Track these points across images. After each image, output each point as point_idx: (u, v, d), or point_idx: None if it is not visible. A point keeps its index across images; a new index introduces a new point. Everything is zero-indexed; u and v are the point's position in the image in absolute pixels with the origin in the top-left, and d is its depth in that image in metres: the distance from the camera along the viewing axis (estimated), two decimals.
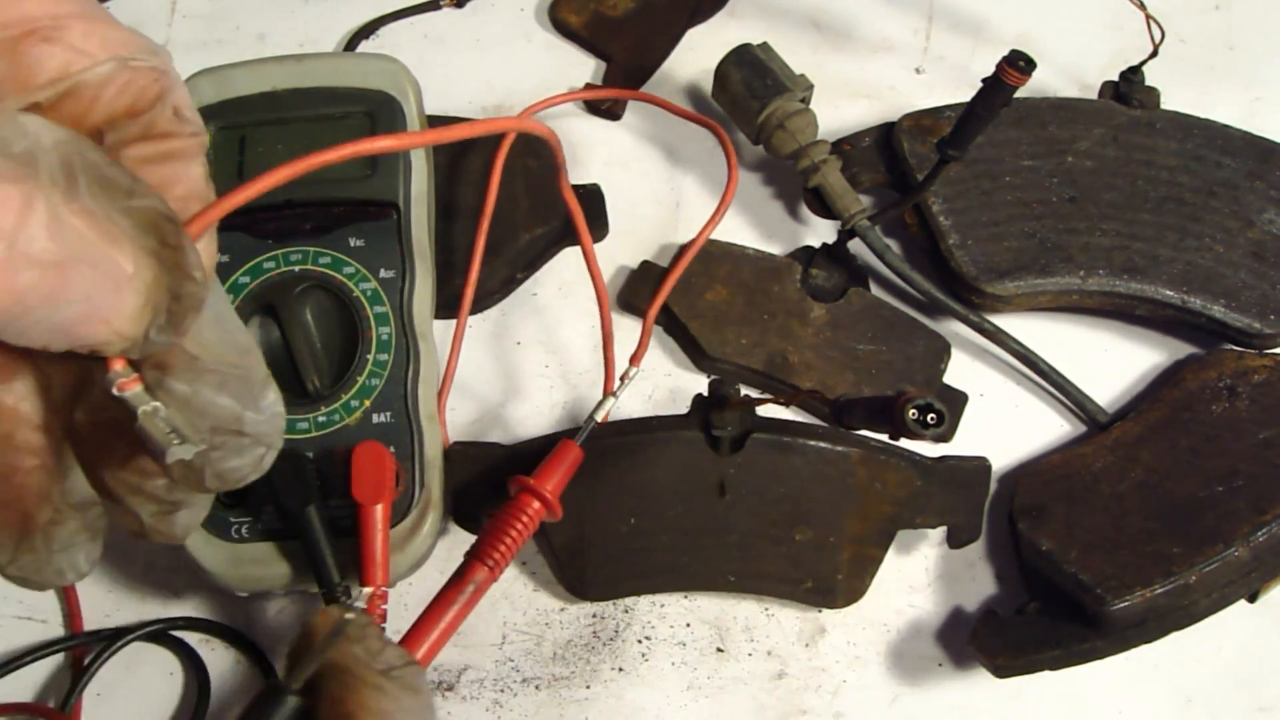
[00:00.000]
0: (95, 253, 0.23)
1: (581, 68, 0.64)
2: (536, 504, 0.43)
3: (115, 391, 0.25)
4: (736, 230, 0.59)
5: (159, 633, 0.50)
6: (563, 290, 0.58)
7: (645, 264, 0.57)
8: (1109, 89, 0.60)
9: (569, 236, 0.58)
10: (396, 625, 0.50)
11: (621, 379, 0.47)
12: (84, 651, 0.50)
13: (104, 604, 0.51)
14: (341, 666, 0.32)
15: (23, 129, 0.22)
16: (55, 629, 0.51)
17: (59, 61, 0.25)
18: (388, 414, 0.48)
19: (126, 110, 0.27)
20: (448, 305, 0.55)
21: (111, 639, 0.49)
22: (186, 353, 0.27)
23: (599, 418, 0.46)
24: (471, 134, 0.32)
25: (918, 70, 0.65)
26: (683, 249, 0.55)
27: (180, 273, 0.24)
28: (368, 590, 0.44)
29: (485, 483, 0.50)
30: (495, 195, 0.55)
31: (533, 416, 0.55)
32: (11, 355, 0.27)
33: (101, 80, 0.26)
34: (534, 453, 0.49)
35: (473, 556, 0.42)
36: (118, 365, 0.25)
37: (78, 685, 0.48)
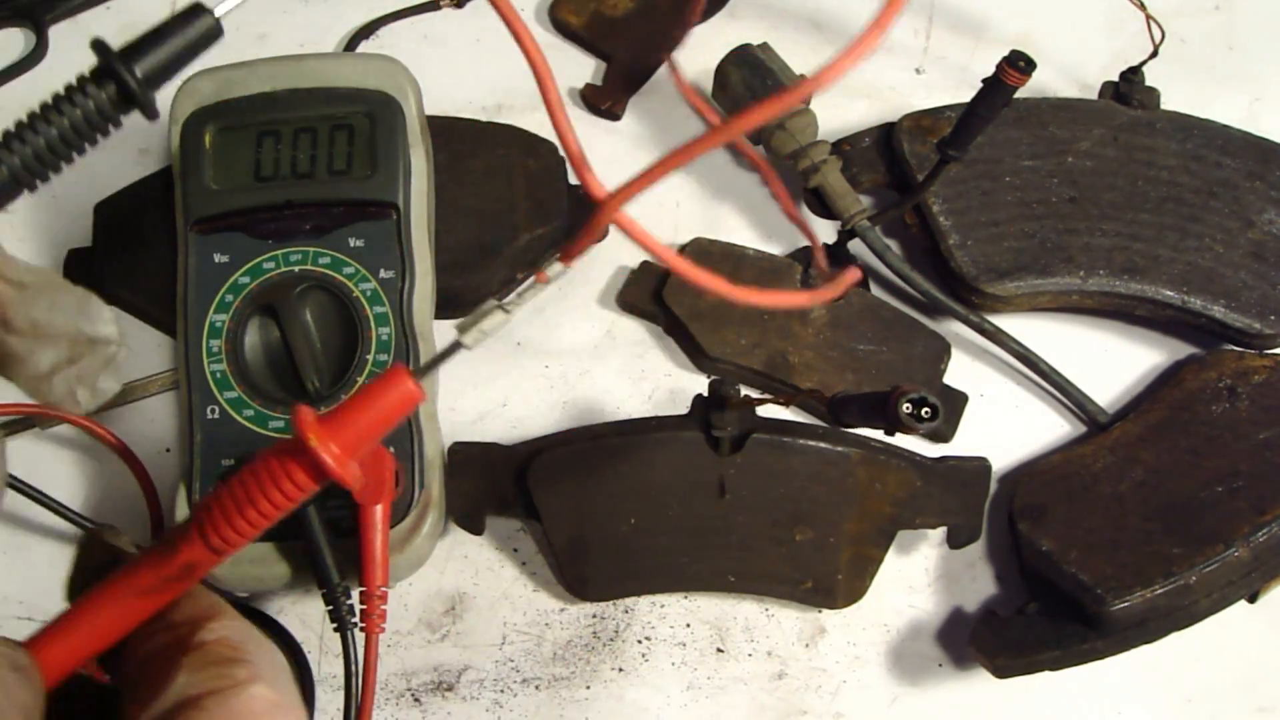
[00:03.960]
0: None
1: (581, 68, 0.64)
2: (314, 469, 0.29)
3: None
4: (736, 230, 0.59)
5: None
6: (563, 290, 0.58)
7: (645, 264, 0.57)
8: (1109, 89, 0.60)
9: (569, 236, 0.58)
10: (396, 625, 0.51)
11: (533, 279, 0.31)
12: None
13: None
14: None
15: None
16: None
17: None
18: None
19: None
20: (448, 305, 0.55)
21: None
22: (15, 283, 0.29)
23: (485, 329, 0.31)
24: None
25: (918, 70, 0.65)
26: None
27: None
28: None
29: (485, 483, 0.50)
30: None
31: (533, 416, 0.55)
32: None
33: None
34: (534, 453, 0.49)
35: (191, 525, 0.29)
36: None
37: None
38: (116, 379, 0.33)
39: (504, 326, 0.31)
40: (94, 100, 0.31)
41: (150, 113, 0.31)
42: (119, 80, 0.31)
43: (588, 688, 0.50)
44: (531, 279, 0.31)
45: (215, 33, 0.32)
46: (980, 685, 0.50)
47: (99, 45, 0.31)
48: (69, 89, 0.31)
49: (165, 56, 0.32)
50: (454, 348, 0.31)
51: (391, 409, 0.29)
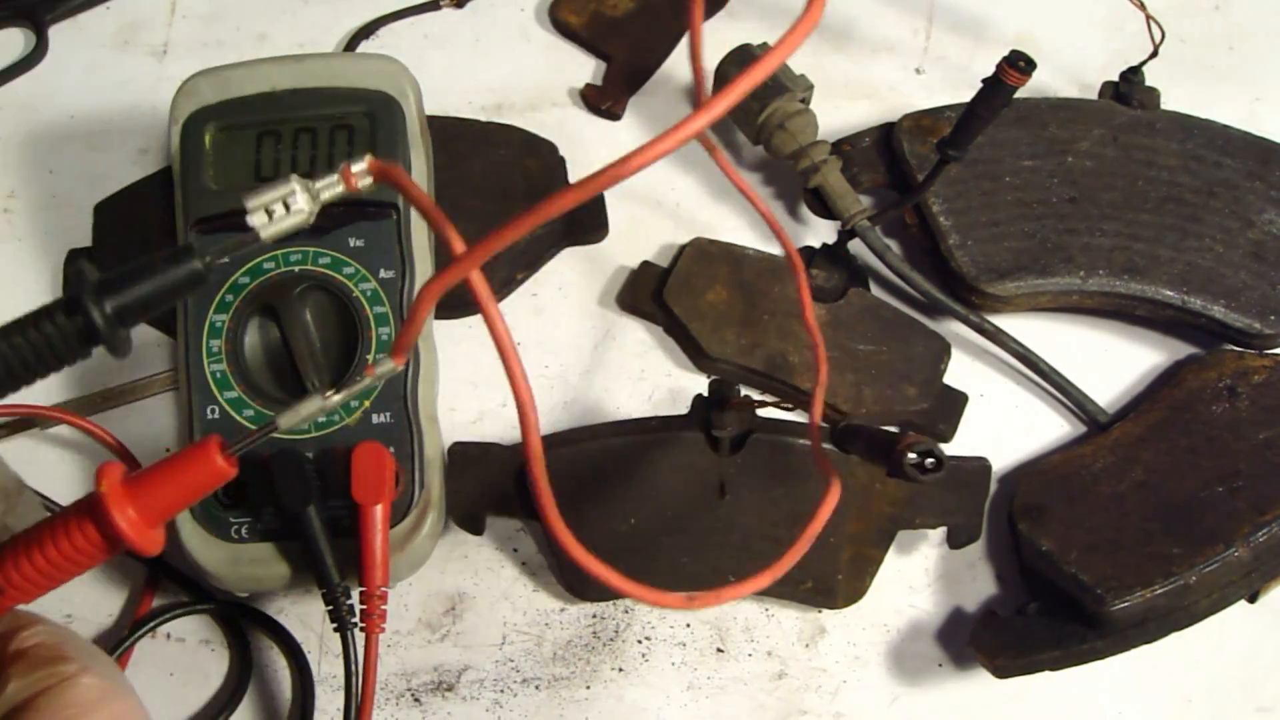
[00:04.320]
0: None
1: (581, 68, 0.64)
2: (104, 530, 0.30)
3: None
4: (736, 230, 0.59)
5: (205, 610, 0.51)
6: (563, 290, 0.58)
7: (645, 264, 0.57)
8: (1109, 89, 0.60)
9: (569, 236, 0.58)
10: (396, 625, 0.51)
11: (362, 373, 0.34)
12: None
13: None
14: None
15: None
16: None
17: None
18: (387, 414, 0.48)
19: None
20: (448, 305, 0.55)
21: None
22: None
23: (302, 415, 0.33)
24: None
25: (918, 70, 0.65)
26: None
27: None
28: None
29: (485, 483, 0.50)
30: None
31: None
32: None
33: None
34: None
35: None
36: None
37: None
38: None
39: (321, 413, 0.34)
40: (61, 330, 0.29)
41: (120, 352, 0.29)
42: (86, 316, 0.29)
43: (588, 688, 0.50)
44: (364, 376, 0.34)
45: (199, 278, 0.30)
46: (980, 685, 0.50)
47: (78, 276, 0.29)
48: (37, 314, 0.29)
49: (142, 295, 0.29)
50: (269, 427, 0.33)
51: (198, 482, 0.31)
